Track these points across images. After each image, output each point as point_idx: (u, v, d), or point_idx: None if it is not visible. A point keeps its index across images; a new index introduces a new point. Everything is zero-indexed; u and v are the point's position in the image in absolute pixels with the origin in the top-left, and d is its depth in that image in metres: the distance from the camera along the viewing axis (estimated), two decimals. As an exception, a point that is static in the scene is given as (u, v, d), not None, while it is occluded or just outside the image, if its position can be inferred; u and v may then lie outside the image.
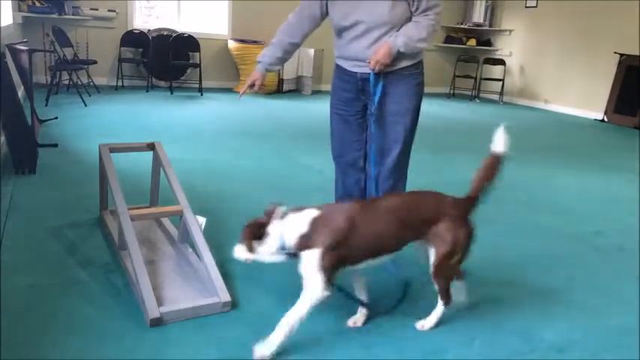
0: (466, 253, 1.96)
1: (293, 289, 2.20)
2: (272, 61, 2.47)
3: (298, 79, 8.74)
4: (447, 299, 2.02)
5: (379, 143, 2.43)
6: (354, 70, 2.40)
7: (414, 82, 2.39)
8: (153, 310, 1.90)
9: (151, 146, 2.69)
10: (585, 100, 8.39)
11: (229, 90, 8.28)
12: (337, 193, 2.70)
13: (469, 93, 9.80)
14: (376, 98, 2.33)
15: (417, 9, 2.25)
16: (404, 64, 2.33)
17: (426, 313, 2.11)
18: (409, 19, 2.28)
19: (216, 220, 2.81)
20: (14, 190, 3.15)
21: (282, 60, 2.49)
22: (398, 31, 2.26)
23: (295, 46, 2.47)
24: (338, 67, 2.51)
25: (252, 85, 2.46)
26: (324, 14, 2.40)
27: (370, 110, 2.40)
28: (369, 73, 2.33)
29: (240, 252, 1.87)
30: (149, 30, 7.66)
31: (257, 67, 2.47)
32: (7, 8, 5.61)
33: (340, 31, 2.37)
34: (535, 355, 1.92)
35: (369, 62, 2.26)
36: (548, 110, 8.94)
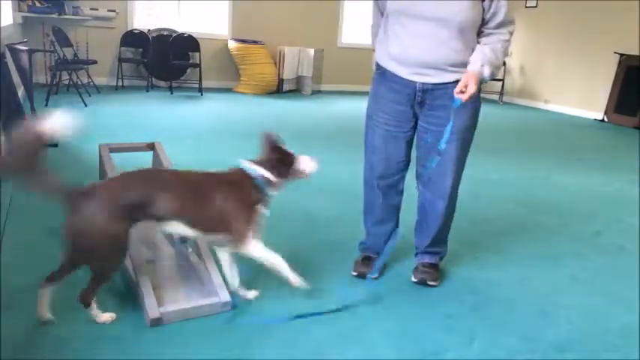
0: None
1: (293, 289, 2.20)
2: None
3: (298, 79, 8.74)
4: None
5: (439, 165, 2.18)
6: (413, 78, 2.10)
7: (475, 97, 2.13)
8: (153, 310, 1.90)
9: (151, 146, 2.69)
10: (585, 100, 8.39)
11: (229, 90, 8.28)
12: (370, 214, 2.44)
13: (469, 93, 9.80)
14: (457, 125, 2.09)
15: (492, 20, 2.04)
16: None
17: (426, 312, 2.11)
18: (477, 27, 2.05)
19: (216, 220, 2.80)
20: (14, 190, 3.15)
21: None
22: (465, 40, 2.03)
23: None
24: (386, 72, 2.19)
25: None
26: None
27: (440, 146, 2.11)
28: (434, 85, 2.08)
29: None
30: (149, 30, 7.66)
31: None
32: (7, 8, 5.61)
33: (396, 24, 2.08)
34: (535, 355, 1.92)
35: (460, 93, 1.99)
36: (548, 110, 8.94)
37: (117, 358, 1.73)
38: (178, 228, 1.89)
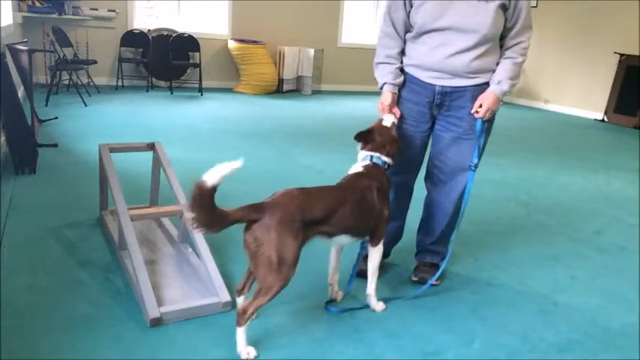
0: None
1: (292, 289, 2.20)
2: (396, 76, 2.21)
3: (298, 79, 8.74)
4: None
5: (451, 164, 2.24)
6: (433, 82, 2.16)
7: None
8: (153, 310, 1.90)
9: (151, 146, 2.70)
10: (585, 100, 8.39)
11: (229, 90, 8.28)
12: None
13: (469, 93, 9.80)
14: (481, 143, 2.17)
15: (514, 27, 2.07)
16: (489, 78, 2.14)
17: (429, 314, 2.11)
18: (499, 34, 2.09)
19: (216, 220, 2.80)
20: (14, 190, 3.15)
21: (401, 70, 2.24)
22: (491, 46, 2.07)
23: (402, 54, 2.24)
24: (407, 75, 2.23)
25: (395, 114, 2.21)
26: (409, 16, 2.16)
27: (474, 161, 2.19)
28: (453, 87, 2.13)
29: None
30: (149, 30, 7.66)
31: (385, 90, 2.21)
32: (7, 8, 5.61)
33: (422, 35, 2.12)
34: (535, 355, 1.92)
35: (477, 111, 2.10)
36: (548, 110, 8.94)
37: (117, 358, 1.73)
38: (344, 240, 1.96)
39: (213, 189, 1.57)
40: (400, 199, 2.40)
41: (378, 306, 2.12)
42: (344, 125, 6.19)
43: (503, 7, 2.03)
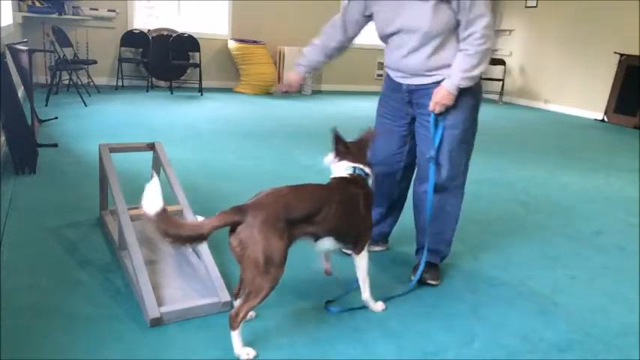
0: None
1: (292, 289, 2.20)
2: (312, 64, 2.44)
3: (298, 79, 8.74)
4: None
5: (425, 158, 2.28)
6: (400, 81, 2.30)
7: (469, 100, 2.21)
8: (153, 310, 1.90)
9: (151, 146, 2.70)
10: (585, 100, 8.39)
11: (229, 90, 8.28)
12: None
13: (469, 93, 9.79)
14: (437, 141, 2.20)
15: (462, 21, 2.07)
16: (445, 73, 2.16)
17: (431, 312, 2.11)
18: (454, 29, 2.10)
19: (216, 220, 2.80)
20: (14, 190, 3.15)
21: (323, 63, 2.44)
22: (441, 42, 2.11)
23: (339, 50, 2.40)
24: (387, 74, 2.42)
25: (288, 86, 2.45)
26: (366, 19, 2.30)
27: (430, 153, 2.24)
28: (417, 86, 2.23)
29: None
30: (149, 30, 7.67)
31: (296, 70, 2.43)
32: (7, 8, 5.61)
33: (384, 39, 2.27)
34: (535, 355, 1.92)
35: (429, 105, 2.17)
36: (548, 110, 8.94)
37: (117, 358, 1.73)
38: (329, 244, 1.95)
39: (162, 212, 1.58)
40: (385, 186, 2.47)
41: (378, 306, 2.12)
42: (344, 125, 6.16)
43: (445, 2, 2.05)
